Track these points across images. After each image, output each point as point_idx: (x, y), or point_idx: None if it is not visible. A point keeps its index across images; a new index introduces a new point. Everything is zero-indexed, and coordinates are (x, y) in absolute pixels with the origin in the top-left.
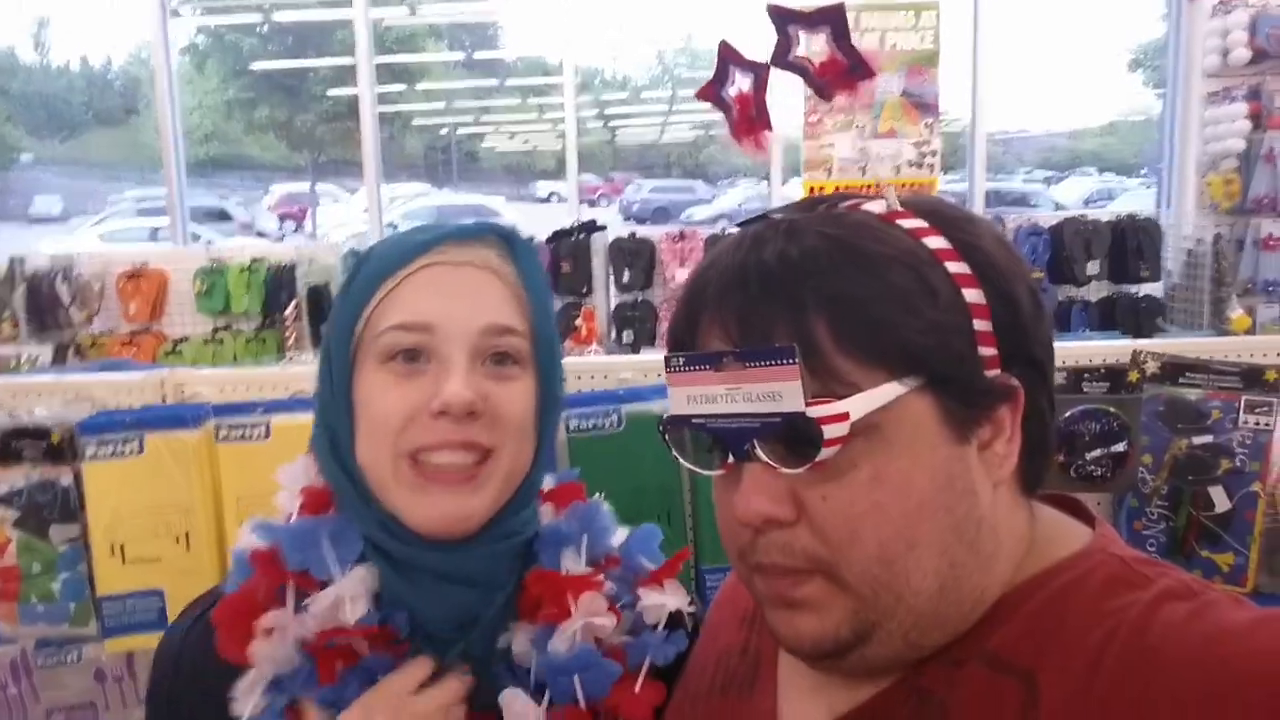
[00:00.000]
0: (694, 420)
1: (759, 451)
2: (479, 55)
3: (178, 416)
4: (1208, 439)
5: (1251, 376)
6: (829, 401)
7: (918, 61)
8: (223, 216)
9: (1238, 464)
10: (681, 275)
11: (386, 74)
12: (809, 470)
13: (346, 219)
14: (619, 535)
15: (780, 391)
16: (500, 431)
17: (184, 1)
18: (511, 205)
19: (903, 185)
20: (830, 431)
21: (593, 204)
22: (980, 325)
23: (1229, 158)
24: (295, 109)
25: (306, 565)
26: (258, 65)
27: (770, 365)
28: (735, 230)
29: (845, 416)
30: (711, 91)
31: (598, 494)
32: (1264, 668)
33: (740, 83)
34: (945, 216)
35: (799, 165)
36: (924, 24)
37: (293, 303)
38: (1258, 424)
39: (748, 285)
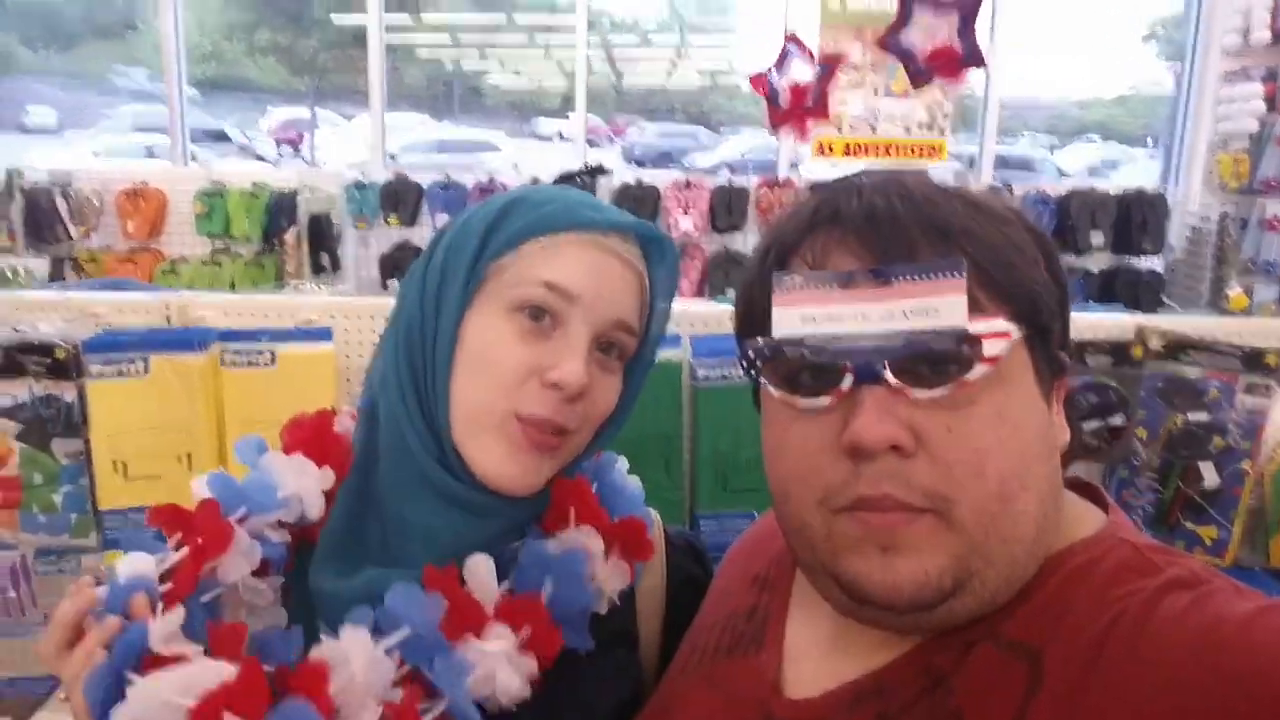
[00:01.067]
0: (810, 340)
1: (889, 373)
2: None
3: (184, 339)
4: (1203, 416)
5: (1253, 359)
6: (985, 318)
7: None
8: (220, 138)
9: (1230, 442)
10: (685, 223)
11: (391, 3)
12: (935, 401)
13: (345, 145)
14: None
15: (939, 306)
16: (586, 418)
17: None
18: (513, 141)
19: (912, 146)
20: (990, 349)
21: (593, 144)
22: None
23: (1240, 137)
24: (298, 33)
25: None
26: None
27: (931, 279)
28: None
29: (1007, 335)
30: (759, 79)
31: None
32: (1260, 658)
33: (799, 73)
34: (1013, 208)
35: None
36: None
37: (293, 229)
38: (1254, 405)
39: (883, 213)
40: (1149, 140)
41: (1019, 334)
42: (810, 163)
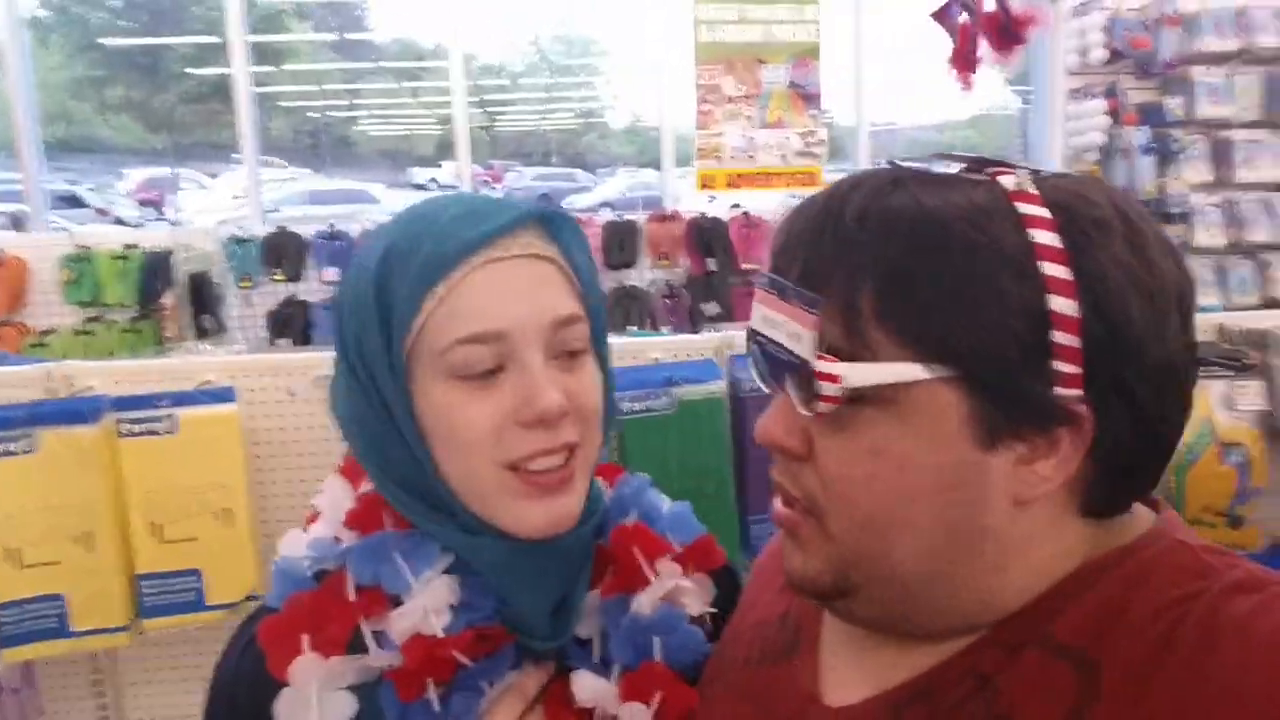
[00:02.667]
0: (755, 338)
1: (787, 384)
2: (349, 36)
3: (74, 411)
4: None
5: None
6: (835, 360)
7: (803, 53)
8: (74, 202)
9: None
10: None
11: (252, 54)
12: (819, 419)
13: (211, 204)
14: (664, 509)
15: (800, 334)
16: (584, 424)
17: None
18: (390, 192)
19: (789, 174)
20: (825, 389)
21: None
22: (1062, 339)
23: (1090, 151)
24: (153, 88)
25: (379, 579)
26: (109, 41)
27: (797, 306)
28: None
29: (837, 379)
30: (944, 14)
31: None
32: None
33: (963, 13)
34: (1075, 213)
35: (687, 154)
36: (807, 16)
37: (171, 292)
38: None
39: (824, 230)
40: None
41: (928, 375)
42: (693, 195)
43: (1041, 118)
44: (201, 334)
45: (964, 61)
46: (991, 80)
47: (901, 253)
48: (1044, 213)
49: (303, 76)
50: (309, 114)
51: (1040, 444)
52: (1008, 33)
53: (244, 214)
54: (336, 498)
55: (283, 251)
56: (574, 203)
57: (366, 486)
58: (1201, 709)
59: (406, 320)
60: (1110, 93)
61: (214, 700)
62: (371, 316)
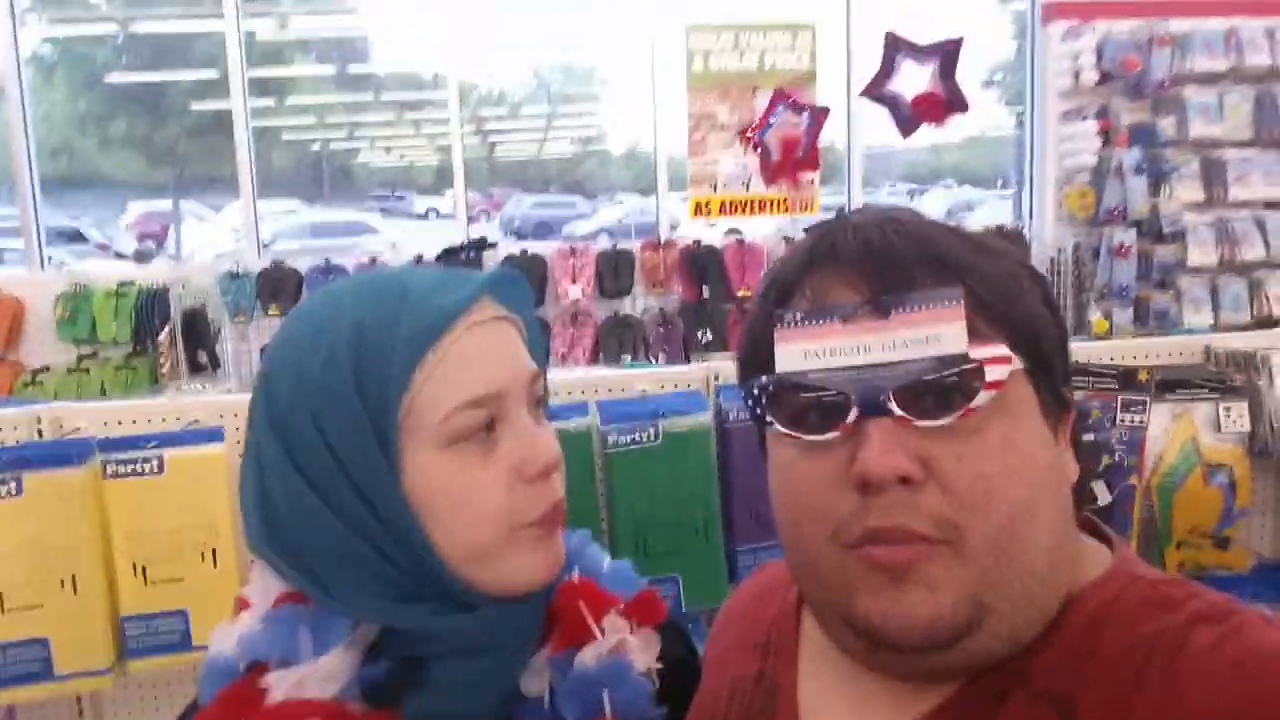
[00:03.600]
0: (813, 375)
1: (893, 404)
2: (352, 69)
3: (60, 453)
4: (1090, 437)
5: (1127, 378)
6: (985, 344)
7: (796, 81)
8: (76, 238)
9: (1117, 459)
10: (574, 291)
11: (254, 88)
12: (942, 430)
13: (212, 238)
14: (604, 566)
15: (939, 334)
16: (562, 475)
17: (29, 9)
18: (389, 221)
19: (785, 201)
20: (992, 374)
21: (471, 219)
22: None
23: (1083, 172)
24: (155, 123)
25: (285, 657)
26: (113, 78)
27: (929, 308)
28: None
29: (1008, 359)
30: (747, 138)
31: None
32: None
33: (788, 125)
34: (1005, 243)
35: (681, 181)
36: (800, 44)
37: (166, 329)
38: (1133, 421)
39: (879, 246)
40: (999, 181)
41: (1020, 363)
42: (689, 223)
43: (1034, 140)
44: (196, 370)
45: (793, 167)
46: (986, 102)
47: (969, 255)
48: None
49: (305, 110)
50: (311, 147)
51: (1061, 430)
52: (948, 107)
53: (243, 248)
54: (267, 584)
55: (279, 286)
56: (574, 229)
57: None
58: None
59: (398, 395)
60: (1102, 114)
61: None
62: (347, 399)
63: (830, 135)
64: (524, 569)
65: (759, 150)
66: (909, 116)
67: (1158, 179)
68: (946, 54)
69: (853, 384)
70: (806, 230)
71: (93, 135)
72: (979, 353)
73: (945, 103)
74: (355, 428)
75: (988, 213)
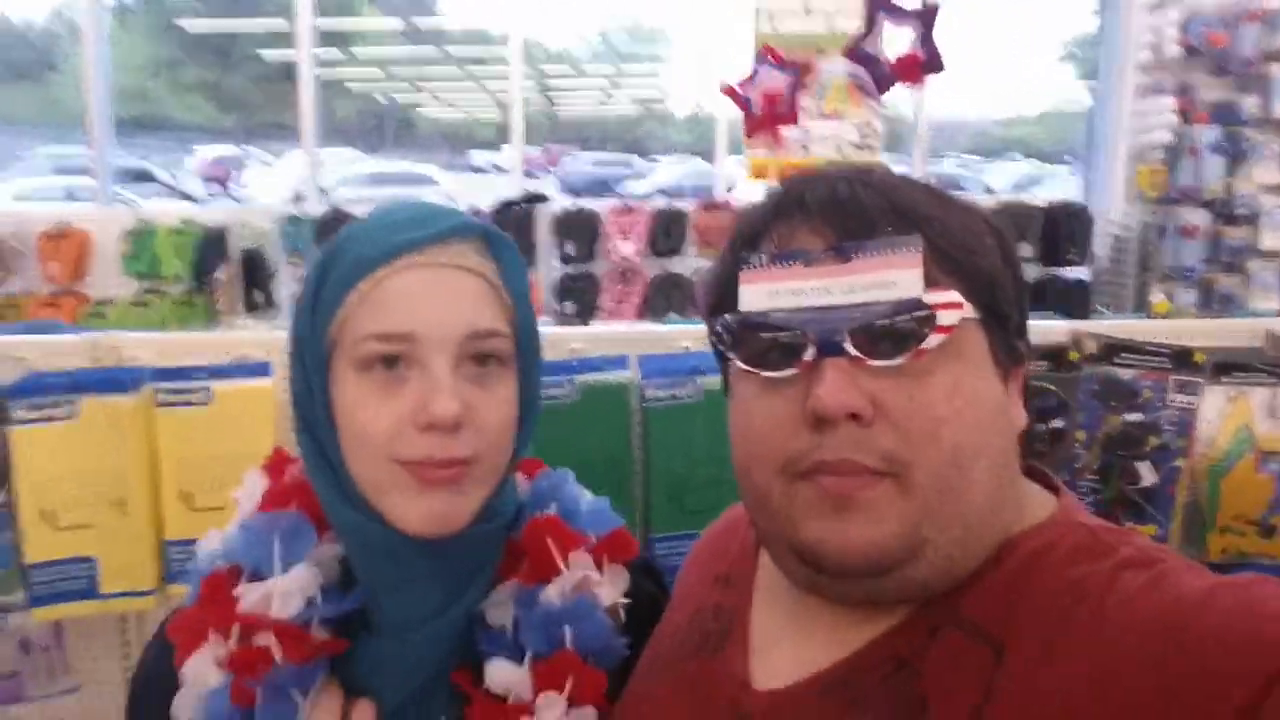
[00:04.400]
0: (775, 314)
1: (849, 344)
2: (420, 22)
3: (114, 380)
4: (1138, 416)
5: (1181, 358)
6: (939, 290)
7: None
8: (143, 177)
9: (1165, 440)
10: (625, 248)
11: (322, 39)
12: (895, 370)
13: (273, 183)
14: (583, 504)
15: (895, 279)
16: (483, 440)
17: None
18: (448, 174)
19: (849, 164)
20: (944, 318)
21: (529, 174)
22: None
23: (1157, 149)
24: (225, 70)
25: (258, 565)
26: (186, 24)
27: (887, 254)
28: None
29: (959, 305)
30: (733, 90)
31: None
32: (1217, 633)
33: (770, 80)
34: (971, 200)
35: (739, 143)
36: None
37: (225, 267)
38: (1185, 403)
39: (845, 197)
40: (1068, 157)
41: (974, 312)
42: (746, 185)
43: (1105, 114)
44: (252, 308)
45: (772, 122)
46: (1062, 75)
47: (931, 208)
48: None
49: (371, 61)
50: (375, 98)
51: (1012, 380)
52: (925, 68)
53: (303, 193)
54: (252, 491)
55: (334, 231)
56: (630, 188)
57: (291, 477)
58: (1097, 675)
59: (331, 312)
60: (1181, 90)
61: (131, 695)
62: (307, 306)
63: (898, 103)
64: (401, 513)
65: (741, 105)
66: (886, 76)
67: (1235, 159)
68: (925, 16)
69: (811, 324)
70: (780, 182)
71: (165, 79)
72: (932, 297)
73: (923, 64)
74: (306, 334)
75: (1053, 188)
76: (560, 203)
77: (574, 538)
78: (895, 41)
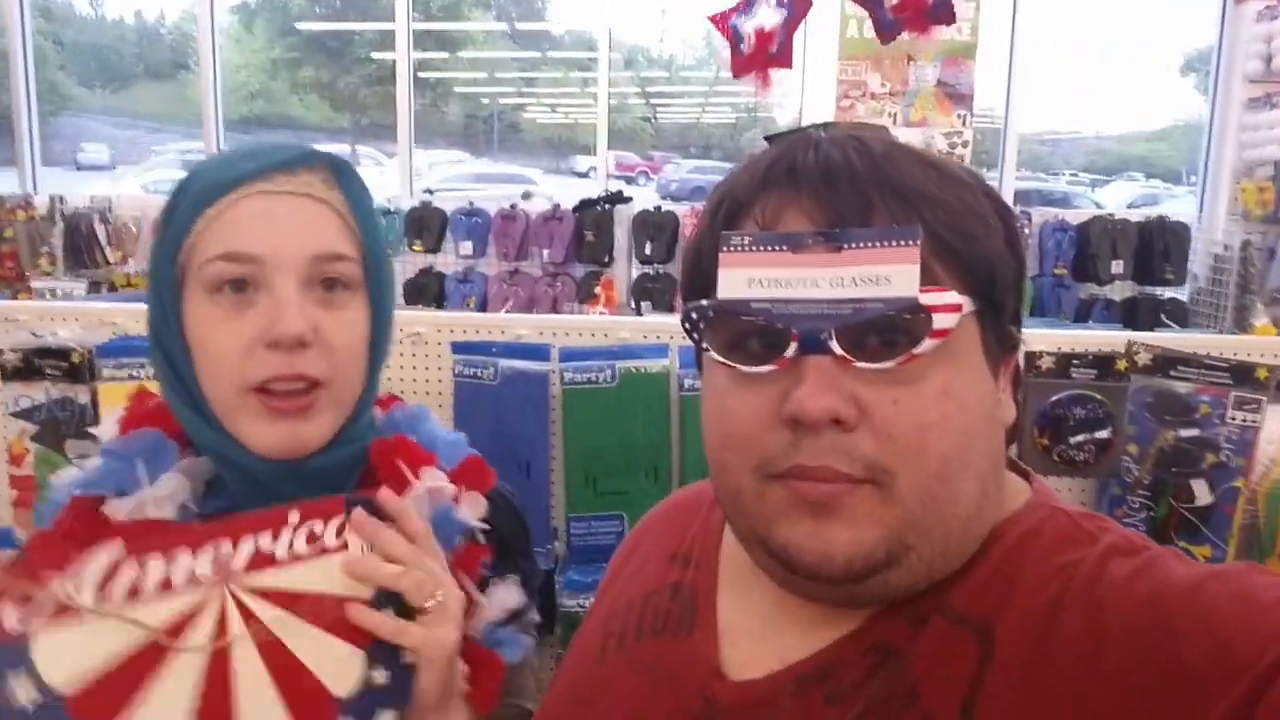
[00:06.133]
0: (755, 304)
1: (834, 344)
2: (524, 26)
3: None
4: (1195, 433)
5: (1242, 373)
6: (937, 290)
7: (954, 52)
8: None
9: (1223, 459)
10: None
11: (430, 41)
12: (881, 373)
13: (384, 182)
14: (440, 436)
15: (890, 275)
16: (331, 361)
17: None
18: (549, 177)
19: None
20: (940, 322)
21: (630, 181)
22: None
23: (1266, 165)
24: (338, 70)
25: (121, 486)
26: (303, 25)
27: (883, 247)
28: (764, 144)
29: (958, 308)
30: (723, 19)
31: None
32: (1209, 619)
33: (765, 16)
34: (971, 169)
35: None
36: (962, 14)
37: None
38: (1245, 420)
39: (840, 171)
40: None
41: (971, 307)
42: None
43: (1215, 127)
44: None
45: (762, 63)
46: (1183, 89)
47: (931, 185)
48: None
49: (479, 64)
50: (482, 100)
51: (1003, 371)
52: (932, 14)
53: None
54: (110, 423)
55: (425, 224)
56: None
57: (148, 407)
58: (1089, 663)
59: (180, 238)
60: None
61: None
62: (161, 233)
63: (992, 111)
64: (254, 436)
65: (730, 39)
66: (890, 22)
67: None
68: None
69: (795, 318)
70: (768, 139)
71: (284, 79)
72: (929, 299)
73: (930, 10)
74: (161, 263)
75: (1172, 208)
76: (642, 204)
77: (425, 456)
78: None
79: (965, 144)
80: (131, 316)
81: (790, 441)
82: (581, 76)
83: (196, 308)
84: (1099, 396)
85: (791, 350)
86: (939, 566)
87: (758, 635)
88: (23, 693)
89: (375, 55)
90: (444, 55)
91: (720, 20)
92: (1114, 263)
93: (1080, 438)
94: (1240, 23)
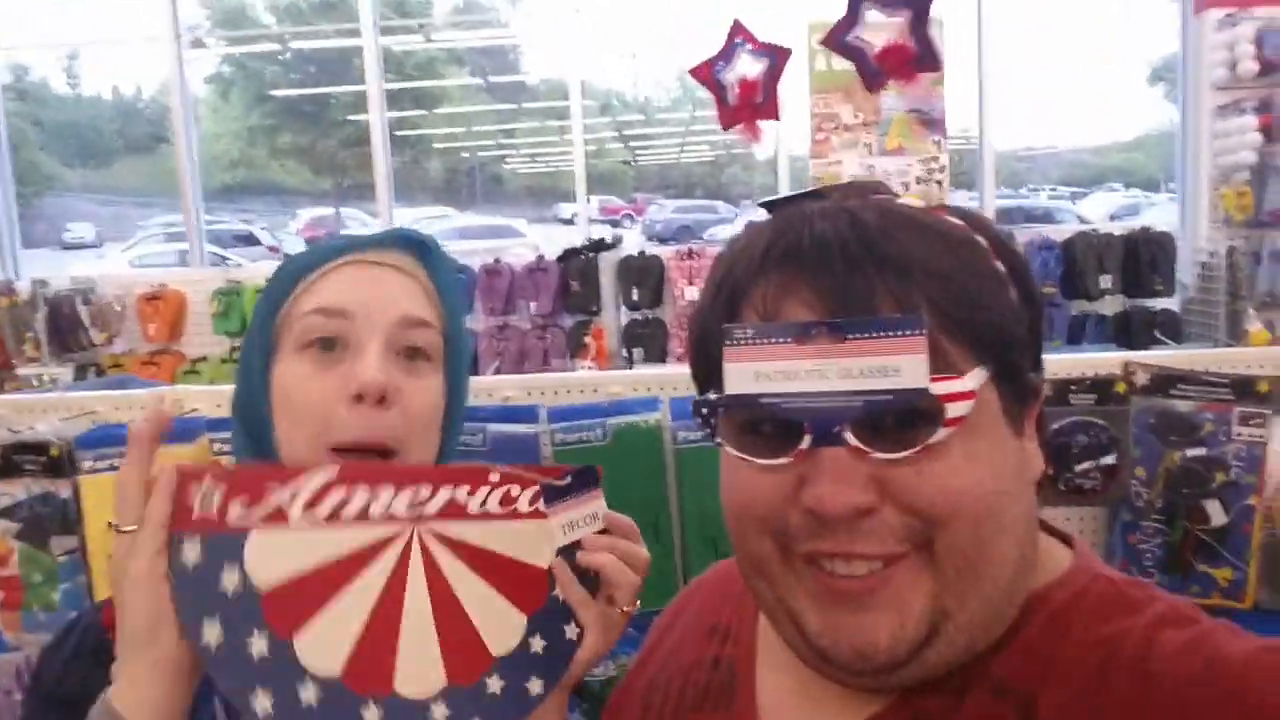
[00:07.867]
0: (764, 400)
1: (849, 435)
2: (498, 79)
3: (173, 431)
4: (1201, 451)
5: (1243, 387)
6: (948, 379)
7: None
8: (250, 240)
9: (1233, 476)
10: (691, 293)
11: (407, 99)
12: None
13: None
14: None
15: (898, 366)
16: (408, 425)
17: (209, 32)
18: (534, 226)
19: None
20: (953, 410)
21: (615, 224)
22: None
23: (1241, 170)
24: (317, 134)
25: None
26: (278, 92)
27: (889, 336)
28: (761, 214)
29: (971, 395)
30: (706, 70)
31: None
32: (1266, 695)
33: (747, 67)
34: (974, 217)
35: (804, 183)
36: None
37: None
38: (1252, 435)
39: (837, 252)
40: (1167, 183)
41: (985, 376)
42: None
43: (1187, 136)
44: None
45: (749, 114)
46: (1152, 97)
47: (933, 256)
48: (960, 222)
49: (457, 119)
50: (461, 155)
51: (1027, 421)
52: (918, 63)
53: None
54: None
55: None
56: (716, 234)
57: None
58: None
59: (277, 305)
60: (1264, 108)
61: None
62: (261, 301)
63: (966, 132)
64: None
65: (714, 92)
66: (875, 71)
67: None
68: (918, 3)
69: (806, 411)
70: (765, 205)
71: (263, 146)
72: (941, 387)
73: (916, 58)
74: (255, 329)
75: (1153, 216)
76: (627, 249)
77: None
78: (880, 32)
79: (942, 169)
80: (111, 404)
81: (813, 525)
82: (558, 125)
83: (285, 367)
84: (1100, 421)
85: (806, 443)
86: (979, 637)
87: (796, 711)
88: (230, 582)
89: (352, 117)
90: (421, 113)
91: (702, 72)
92: (1102, 277)
93: (1086, 465)
94: (1202, 31)
